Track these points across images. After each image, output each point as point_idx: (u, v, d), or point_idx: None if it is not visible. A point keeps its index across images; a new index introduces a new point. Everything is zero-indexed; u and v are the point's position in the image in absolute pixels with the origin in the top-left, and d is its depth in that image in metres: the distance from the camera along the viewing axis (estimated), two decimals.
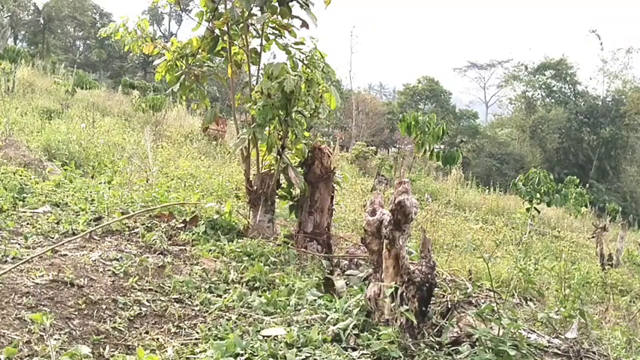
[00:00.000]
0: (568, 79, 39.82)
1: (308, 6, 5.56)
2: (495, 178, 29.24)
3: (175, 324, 3.41)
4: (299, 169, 5.79)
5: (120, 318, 3.31)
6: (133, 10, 53.23)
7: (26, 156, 7.69)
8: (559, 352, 3.44)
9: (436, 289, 3.61)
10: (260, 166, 5.87)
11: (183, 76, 6.09)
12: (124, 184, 7.10)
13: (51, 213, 5.27)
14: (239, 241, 5.23)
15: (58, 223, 5.01)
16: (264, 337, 3.22)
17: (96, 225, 5.09)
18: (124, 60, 47.24)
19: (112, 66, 49.34)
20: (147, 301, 3.61)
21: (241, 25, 5.77)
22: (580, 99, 39.44)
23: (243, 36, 5.85)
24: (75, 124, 11.93)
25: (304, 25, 5.62)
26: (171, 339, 3.19)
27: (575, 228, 17.44)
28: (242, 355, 2.91)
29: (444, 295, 3.76)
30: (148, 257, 4.37)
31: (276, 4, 5.57)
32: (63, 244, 4.32)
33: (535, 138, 37.34)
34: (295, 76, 5.37)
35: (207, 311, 3.64)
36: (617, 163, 37.03)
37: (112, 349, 2.97)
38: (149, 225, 5.34)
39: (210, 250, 4.91)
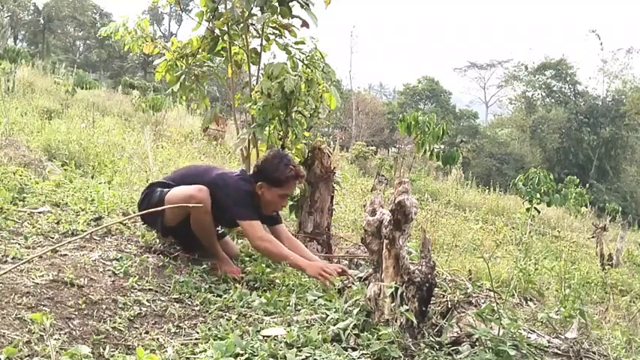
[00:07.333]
0: (568, 79, 39.84)
1: (308, 6, 5.56)
2: (495, 178, 29.24)
3: (175, 324, 3.40)
4: None
5: (120, 318, 3.30)
6: (133, 10, 53.02)
7: (26, 156, 7.67)
8: (559, 352, 3.44)
9: (436, 289, 3.61)
10: None
11: (183, 76, 6.09)
12: (124, 184, 7.10)
13: (51, 213, 5.26)
14: (239, 241, 5.23)
15: (58, 223, 5.00)
16: (264, 337, 3.21)
17: (96, 225, 5.09)
18: (124, 60, 47.25)
19: (112, 66, 49.36)
20: (147, 301, 3.60)
21: (241, 25, 5.77)
22: (580, 99, 39.46)
23: (244, 36, 5.85)
24: (75, 124, 11.92)
25: (304, 24, 5.61)
26: (171, 339, 3.18)
27: (575, 228, 17.43)
28: (242, 355, 2.91)
29: (444, 295, 3.75)
30: (148, 257, 4.37)
31: (277, 4, 5.56)
32: (63, 245, 4.32)
33: (535, 138, 37.35)
34: (295, 76, 5.36)
35: (207, 311, 3.63)
36: (617, 163, 37.04)
37: (112, 349, 2.96)
38: None
39: None
